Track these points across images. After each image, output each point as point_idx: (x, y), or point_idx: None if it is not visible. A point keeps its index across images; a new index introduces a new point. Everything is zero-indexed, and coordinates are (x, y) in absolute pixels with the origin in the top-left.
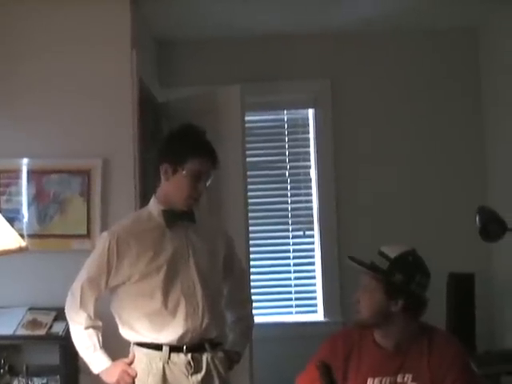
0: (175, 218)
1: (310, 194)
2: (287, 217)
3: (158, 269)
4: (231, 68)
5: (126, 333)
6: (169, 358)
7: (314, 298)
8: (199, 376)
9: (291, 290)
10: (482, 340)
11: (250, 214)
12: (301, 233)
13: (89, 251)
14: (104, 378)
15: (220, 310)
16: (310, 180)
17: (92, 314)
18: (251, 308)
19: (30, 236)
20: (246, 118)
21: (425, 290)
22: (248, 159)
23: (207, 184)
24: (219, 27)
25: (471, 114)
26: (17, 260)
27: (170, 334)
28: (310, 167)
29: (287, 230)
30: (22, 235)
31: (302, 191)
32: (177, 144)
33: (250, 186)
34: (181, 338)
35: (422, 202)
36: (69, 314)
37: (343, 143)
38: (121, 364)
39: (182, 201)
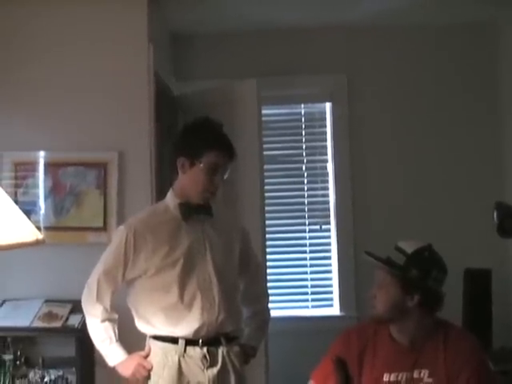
0: (191, 211)
1: (326, 188)
2: (304, 211)
3: (174, 263)
4: (248, 62)
5: (142, 326)
6: (184, 351)
7: (330, 293)
8: (215, 370)
9: (307, 284)
10: (498, 336)
11: (267, 208)
12: (317, 227)
13: (105, 244)
14: (120, 370)
15: (236, 304)
16: (327, 174)
17: (108, 307)
18: (267, 302)
19: (47, 228)
20: (263, 112)
21: (441, 285)
22: (265, 153)
23: (224, 177)
24: (236, 21)
25: (488, 108)
26: (33, 252)
27: (185, 327)
28: (326, 161)
29: (304, 224)
30: (38, 228)
31: (319, 185)
32: (193, 137)
33: (266, 180)
34: (197, 331)
35: (438, 198)
36: (85, 306)
37: (360, 137)
38: (136, 357)
39: (199, 194)
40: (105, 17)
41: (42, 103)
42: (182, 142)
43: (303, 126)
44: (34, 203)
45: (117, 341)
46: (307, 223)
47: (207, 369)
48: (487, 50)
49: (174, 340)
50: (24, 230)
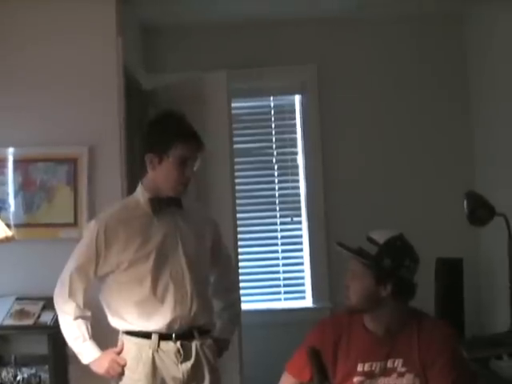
0: (162, 205)
1: (297, 181)
2: (275, 203)
3: (147, 256)
4: (217, 54)
5: (114, 322)
6: (158, 345)
7: (303, 285)
8: (189, 364)
9: (279, 276)
10: (470, 324)
11: (238, 201)
12: (288, 219)
13: (76, 239)
14: (94, 368)
15: (208, 296)
16: (298, 166)
17: (81, 304)
18: (238, 294)
19: (17, 225)
20: (233, 105)
21: (413, 274)
22: (235, 146)
23: (195, 168)
24: (205, 13)
25: (459, 99)
26: (4, 249)
27: (158, 321)
28: (297, 153)
29: (275, 217)
30: (8, 225)
31: (290, 177)
32: (158, 133)
33: (237, 173)
34: (169, 325)
35: (410, 188)
36: (57, 303)
37: (330, 129)
38: (110, 354)
39: (172, 188)
40: (73, 10)
41: (10, 98)
42: (148, 139)
43: (273, 119)
44: (4, 200)
45: (90, 338)
46: (278, 216)
47: (181, 363)
48: (455, 40)
49: (147, 335)
50: None
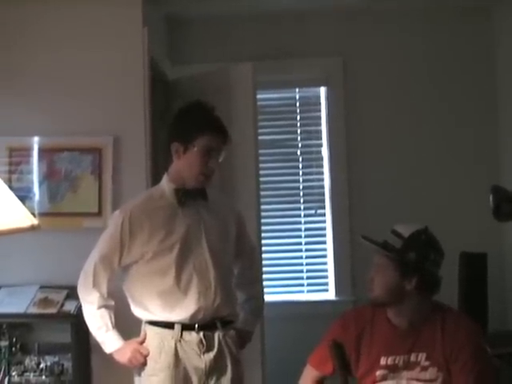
0: (187, 196)
1: (321, 173)
2: (299, 195)
3: (171, 247)
4: (243, 45)
5: (138, 312)
6: (181, 336)
7: (326, 277)
8: (211, 354)
9: (303, 268)
10: (494, 320)
11: (262, 193)
12: (312, 211)
13: (100, 229)
14: (116, 357)
15: (231, 287)
16: (322, 158)
17: (105, 294)
18: (262, 286)
19: (41, 214)
20: (258, 96)
21: (438, 268)
22: (260, 137)
23: (219, 160)
24: (231, 4)
25: (484, 91)
26: (28, 238)
27: (182, 312)
28: (321, 145)
29: (299, 209)
30: (33, 214)
31: (314, 170)
32: (186, 122)
33: (261, 165)
34: (193, 316)
35: (434, 181)
36: (81, 293)
37: (355, 121)
38: (133, 343)
39: (194, 178)
40: (98, 3)
41: (37, 88)
42: (174, 128)
43: (298, 111)
44: (29, 189)
45: (113, 328)
46: (302, 208)
47: (204, 353)
48: (484, 33)
49: (170, 325)
50: (19, 216)
